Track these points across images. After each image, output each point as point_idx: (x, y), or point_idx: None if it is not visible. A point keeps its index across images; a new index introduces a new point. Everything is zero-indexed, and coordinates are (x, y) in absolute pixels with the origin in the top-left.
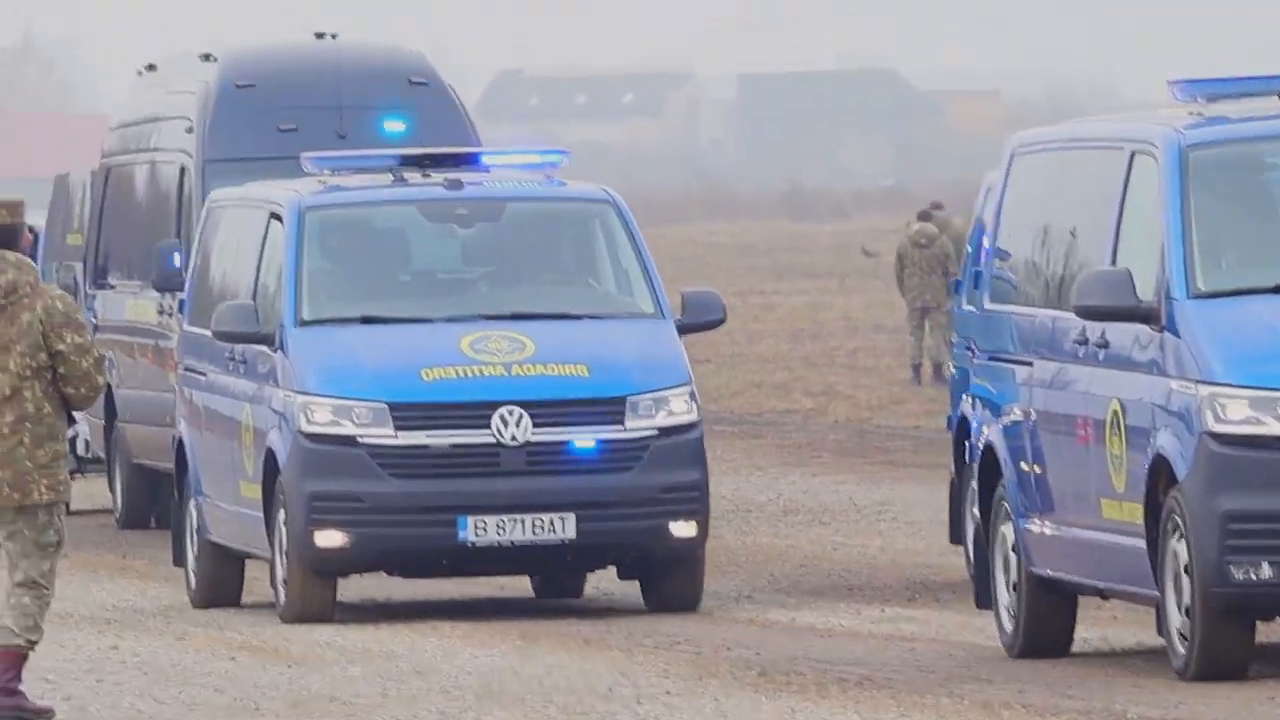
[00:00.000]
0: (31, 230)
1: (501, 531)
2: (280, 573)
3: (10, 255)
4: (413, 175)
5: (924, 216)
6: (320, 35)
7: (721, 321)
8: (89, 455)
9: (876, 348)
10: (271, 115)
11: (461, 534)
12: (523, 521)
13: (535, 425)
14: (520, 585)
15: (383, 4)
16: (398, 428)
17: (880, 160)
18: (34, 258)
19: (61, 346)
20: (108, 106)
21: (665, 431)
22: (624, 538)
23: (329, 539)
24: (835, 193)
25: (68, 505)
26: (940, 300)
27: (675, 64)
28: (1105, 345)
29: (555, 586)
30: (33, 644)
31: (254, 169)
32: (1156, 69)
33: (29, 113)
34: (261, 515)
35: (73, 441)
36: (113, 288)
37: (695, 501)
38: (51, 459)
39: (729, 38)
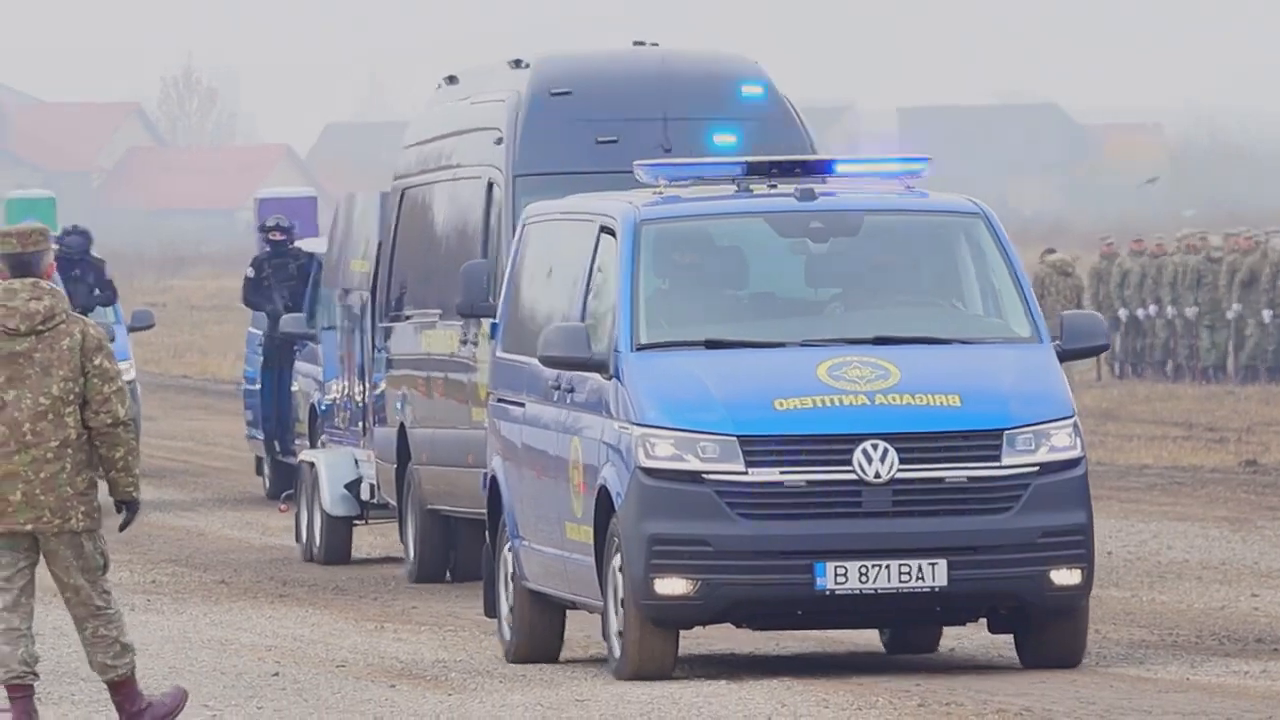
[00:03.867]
0: (312, 256)
1: (864, 578)
2: (615, 624)
3: (44, 283)
4: (759, 185)
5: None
6: (639, 43)
7: (1105, 347)
8: (375, 501)
9: None
10: (589, 126)
11: (819, 581)
12: (888, 568)
13: (902, 461)
14: (868, 639)
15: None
16: (749, 463)
17: (1040, 193)
18: (315, 285)
19: (89, 368)
20: (269, 137)
21: (1046, 468)
22: (1000, 586)
23: (671, 586)
24: None
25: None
26: None
27: (834, 97)
28: None
29: (908, 641)
30: (132, 664)
31: (569, 183)
32: None
33: (192, 146)
34: (592, 560)
35: (356, 485)
36: (408, 318)
37: (1080, 546)
38: (88, 486)
39: (888, 71)
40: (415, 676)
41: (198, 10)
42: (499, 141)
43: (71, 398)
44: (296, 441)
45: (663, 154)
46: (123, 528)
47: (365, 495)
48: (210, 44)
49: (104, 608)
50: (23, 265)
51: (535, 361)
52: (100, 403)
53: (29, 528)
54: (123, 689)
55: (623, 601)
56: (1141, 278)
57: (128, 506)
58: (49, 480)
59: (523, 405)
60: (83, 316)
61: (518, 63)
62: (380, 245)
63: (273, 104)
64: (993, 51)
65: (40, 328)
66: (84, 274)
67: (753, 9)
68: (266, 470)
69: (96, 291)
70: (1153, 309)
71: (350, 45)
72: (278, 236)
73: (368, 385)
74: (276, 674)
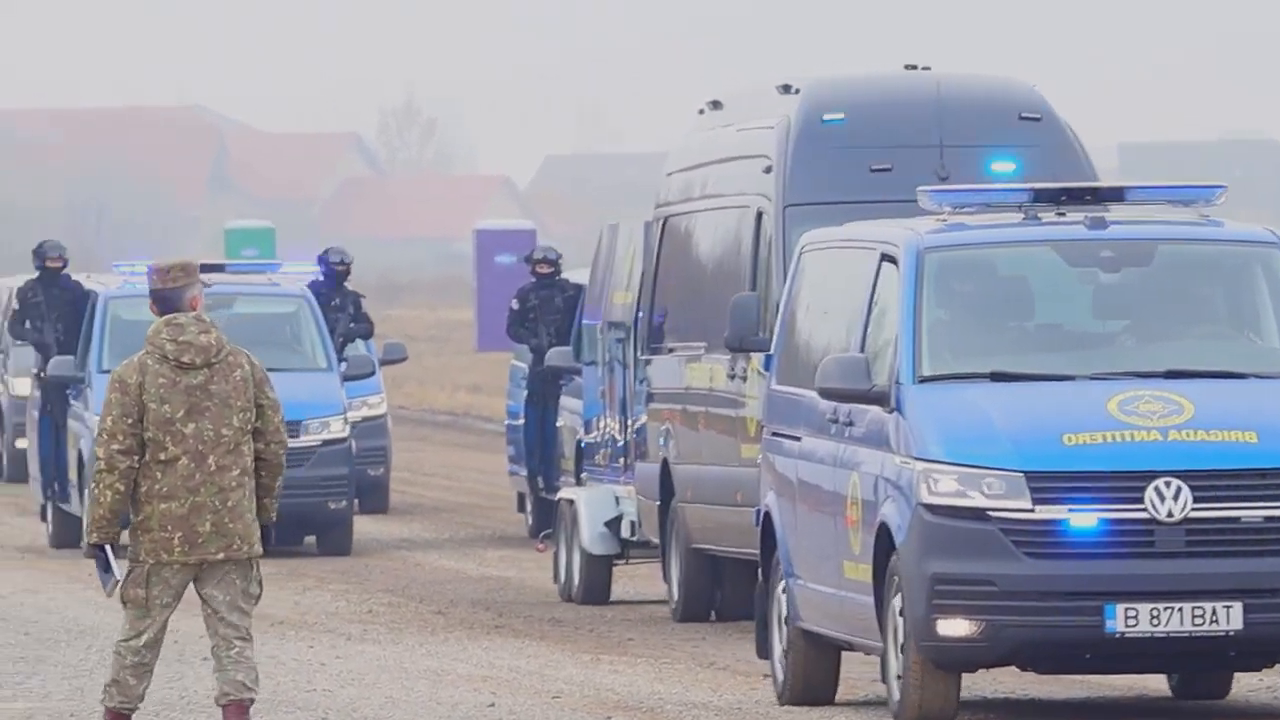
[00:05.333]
0: (579, 288)
1: (1155, 622)
2: (894, 667)
3: (206, 316)
4: (1046, 212)
5: None
6: (911, 67)
7: None
8: (635, 539)
9: None
10: (863, 153)
11: (1109, 624)
12: (1180, 610)
13: (1196, 499)
14: (1156, 684)
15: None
16: (1035, 500)
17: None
18: (575, 317)
19: (263, 400)
20: (488, 169)
21: None
22: None
23: (954, 628)
24: None
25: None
26: None
27: None
28: None
29: (1198, 687)
30: (254, 695)
31: (841, 213)
32: None
33: (410, 176)
34: (871, 600)
35: (617, 523)
36: (670, 350)
37: None
38: (257, 513)
39: (1110, 107)
40: (631, 709)
41: (418, 42)
42: (768, 170)
43: (248, 428)
44: (562, 478)
45: (939, 182)
46: (265, 548)
47: (626, 533)
48: (431, 75)
49: (250, 634)
50: (167, 300)
51: (812, 394)
52: (273, 433)
53: (221, 556)
54: (240, 711)
55: (903, 643)
56: None
57: (268, 529)
58: (235, 509)
59: (798, 439)
60: (242, 348)
61: (787, 88)
62: (642, 276)
63: (492, 135)
64: (1213, 88)
65: (214, 360)
66: (343, 304)
67: (967, 42)
68: (529, 508)
69: (353, 324)
70: None
71: (571, 77)
72: (545, 269)
73: (629, 420)
74: (492, 705)
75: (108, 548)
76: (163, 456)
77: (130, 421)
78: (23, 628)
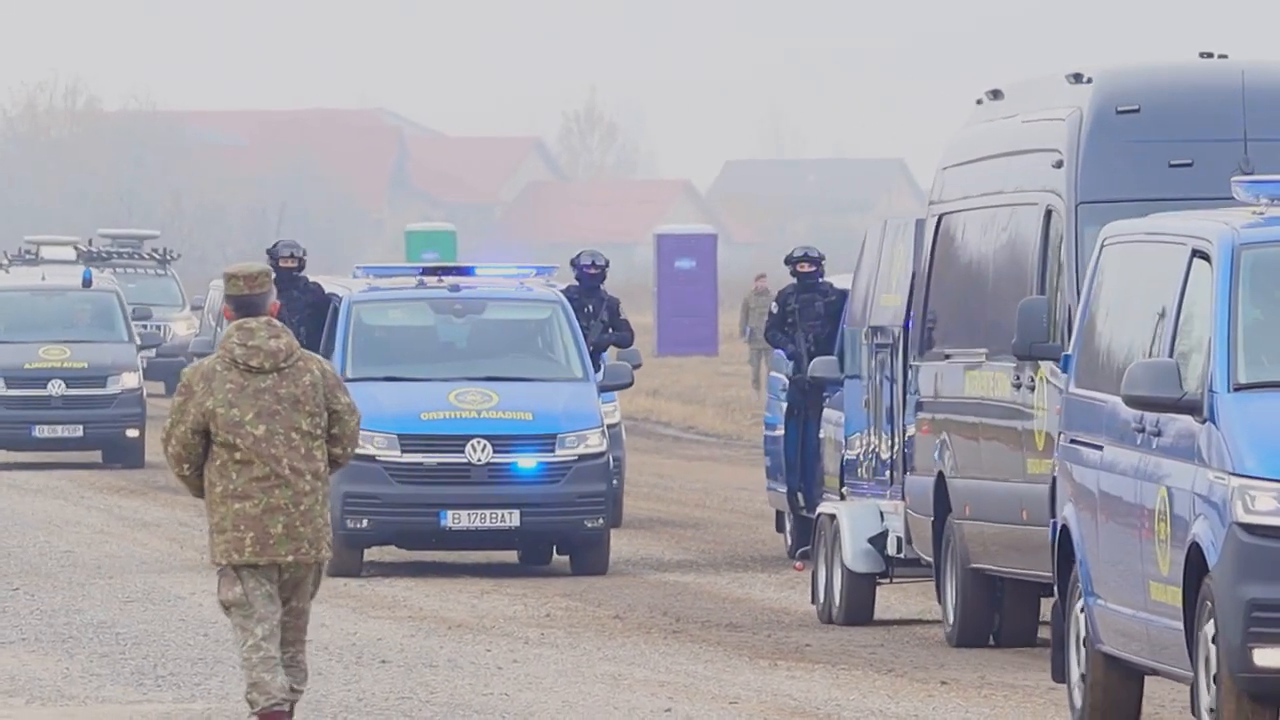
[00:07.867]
0: (842, 294)
1: None
2: (1205, 698)
3: (277, 322)
4: None
5: None
6: (1206, 55)
7: None
8: (901, 556)
9: None
10: (1160, 147)
11: None
12: None
13: None
14: None
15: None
16: None
17: None
18: (837, 325)
19: (337, 406)
20: (669, 173)
21: None
22: None
23: (1273, 658)
24: None
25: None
26: None
27: None
28: None
29: None
30: (301, 694)
31: (1137, 211)
32: None
33: (591, 180)
34: (1180, 625)
35: (881, 539)
36: (946, 357)
37: None
38: (328, 517)
39: None
40: (807, 714)
41: (600, 46)
42: (1058, 164)
43: (319, 432)
44: (825, 495)
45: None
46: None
47: (891, 550)
48: (612, 79)
49: (307, 636)
50: (249, 306)
51: (1114, 399)
52: (349, 438)
53: (290, 559)
54: (281, 715)
55: (1216, 673)
56: None
57: None
58: (306, 513)
59: (1099, 448)
60: (314, 354)
61: (1078, 77)
62: (914, 278)
63: (673, 139)
64: None
65: (282, 365)
66: (597, 310)
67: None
68: (788, 526)
69: (609, 331)
70: None
71: (753, 82)
72: (806, 268)
73: (897, 431)
74: (669, 710)
75: None
76: (237, 458)
77: (183, 429)
78: (201, 628)
